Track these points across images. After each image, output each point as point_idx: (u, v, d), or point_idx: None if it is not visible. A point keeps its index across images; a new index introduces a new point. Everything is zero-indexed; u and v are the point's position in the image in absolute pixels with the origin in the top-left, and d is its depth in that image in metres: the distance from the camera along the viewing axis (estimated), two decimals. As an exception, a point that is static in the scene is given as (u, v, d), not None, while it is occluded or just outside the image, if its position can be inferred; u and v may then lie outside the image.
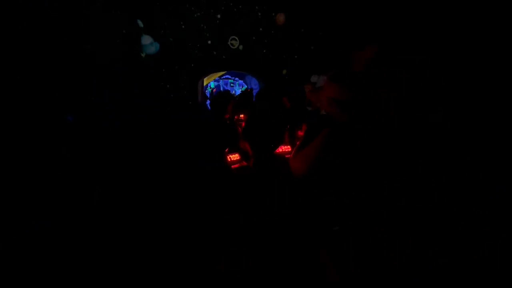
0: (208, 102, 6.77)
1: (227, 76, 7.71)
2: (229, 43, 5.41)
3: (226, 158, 1.83)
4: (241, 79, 7.84)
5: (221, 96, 4.47)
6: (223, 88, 7.86)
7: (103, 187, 2.54)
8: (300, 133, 1.76)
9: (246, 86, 7.81)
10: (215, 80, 7.64)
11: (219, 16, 5.16)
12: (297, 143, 1.69)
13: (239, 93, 7.19)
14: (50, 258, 1.82)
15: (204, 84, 7.08)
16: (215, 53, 5.33)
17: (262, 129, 1.34)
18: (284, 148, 1.88)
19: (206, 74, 5.68)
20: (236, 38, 5.40)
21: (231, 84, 7.85)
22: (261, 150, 1.35)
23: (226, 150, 1.86)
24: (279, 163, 1.37)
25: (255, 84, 7.18)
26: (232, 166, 1.76)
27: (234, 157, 1.86)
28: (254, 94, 4.66)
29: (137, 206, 2.24)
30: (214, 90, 7.66)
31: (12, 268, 1.73)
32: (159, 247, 1.81)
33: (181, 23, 4.84)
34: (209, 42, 5.27)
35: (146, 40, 4.15)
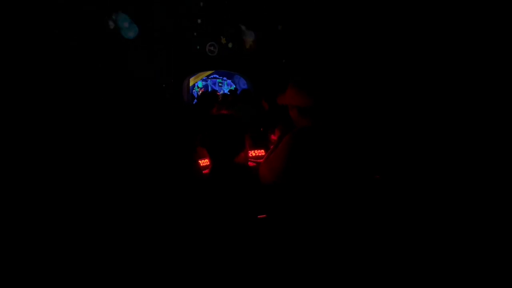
0: (195, 102, 6.65)
1: (215, 75, 7.59)
2: (207, 49, 5.08)
3: (197, 163, 1.74)
4: (229, 79, 7.73)
5: (207, 96, 4.35)
6: (211, 87, 7.74)
7: (97, 187, 2.53)
8: (273, 137, 1.67)
9: (234, 86, 7.70)
10: (202, 80, 7.52)
11: (206, 12, 4.92)
12: (271, 147, 1.62)
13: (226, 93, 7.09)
14: (50, 258, 1.82)
15: (191, 84, 6.95)
16: (198, 47, 5.04)
17: (219, 135, 1.25)
18: (258, 153, 1.79)
19: (192, 73, 5.51)
20: (215, 44, 5.06)
21: (219, 84, 7.74)
22: (218, 157, 1.26)
23: (195, 154, 1.76)
24: (242, 171, 1.28)
25: (243, 84, 7.08)
26: (204, 171, 1.66)
27: (204, 162, 1.76)
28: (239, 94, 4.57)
29: (130, 207, 2.25)
30: (202, 90, 7.54)
31: (12, 268, 1.73)
32: (149, 248, 1.76)
33: (167, 19, 4.66)
34: (197, 45, 5.04)
35: (123, 21, 3.80)
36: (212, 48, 4.96)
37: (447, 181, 2.19)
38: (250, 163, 1.67)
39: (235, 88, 7.17)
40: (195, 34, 4.93)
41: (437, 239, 1.88)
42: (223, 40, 5.13)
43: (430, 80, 2.73)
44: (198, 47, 4.98)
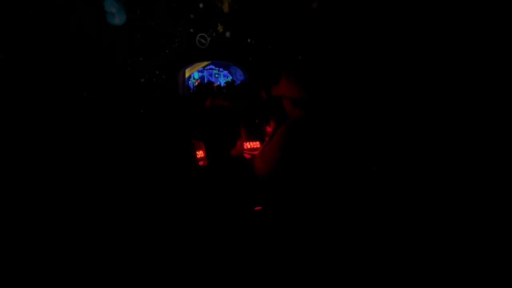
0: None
1: (211, 66, 7.51)
2: (197, 40, 4.77)
3: (194, 154, 1.73)
4: (225, 70, 7.66)
5: (203, 88, 4.28)
6: (208, 79, 7.66)
7: (93, 179, 2.52)
8: (269, 129, 1.66)
9: (231, 77, 7.63)
10: (199, 71, 7.44)
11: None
12: (266, 139, 1.61)
13: (222, 84, 7.03)
14: (50, 258, 1.82)
15: (187, 75, 6.87)
16: (192, 30, 4.76)
17: (214, 127, 1.23)
18: (253, 144, 1.78)
19: (186, 64, 5.40)
20: (205, 35, 4.79)
21: (216, 75, 7.66)
22: (214, 149, 1.25)
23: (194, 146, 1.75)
24: (237, 163, 1.27)
25: (240, 75, 7.01)
26: (200, 163, 1.65)
27: (200, 154, 1.75)
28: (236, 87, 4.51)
29: (127, 198, 2.25)
30: (198, 81, 7.46)
31: (12, 268, 1.72)
32: (147, 248, 1.78)
33: (159, 6, 4.51)
34: (191, 30, 4.86)
35: (109, 5, 3.60)
36: (202, 40, 4.73)
37: (443, 173, 2.19)
38: (246, 155, 1.66)
39: (232, 80, 7.11)
40: (192, 16, 4.74)
41: (433, 232, 1.88)
42: (220, 28, 4.98)
43: (423, 72, 2.72)
44: (191, 30, 4.76)
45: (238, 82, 6.36)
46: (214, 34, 4.97)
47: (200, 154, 1.74)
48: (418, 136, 2.43)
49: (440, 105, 2.50)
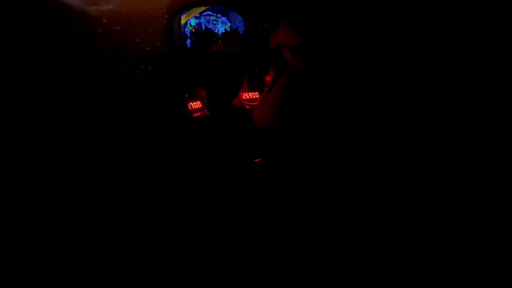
0: (188, 41, 6.26)
1: (208, 12, 7.01)
2: None
3: (186, 106, 1.67)
4: (224, 16, 7.17)
5: (203, 35, 4.02)
6: (205, 26, 7.22)
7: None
8: (268, 79, 1.59)
9: (229, 24, 7.19)
10: (195, 17, 6.97)
11: None
12: (265, 89, 1.55)
13: (222, 31, 6.64)
14: (50, 258, 1.83)
15: (183, 22, 6.44)
16: None
17: (219, 74, 1.16)
18: (252, 95, 1.72)
19: (181, 10, 4.97)
20: None
21: (213, 22, 7.20)
22: (216, 98, 1.19)
23: (185, 96, 1.68)
24: (240, 113, 1.23)
25: (239, 22, 6.59)
26: (194, 115, 1.60)
27: (196, 104, 1.69)
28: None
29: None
30: (195, 28, 7.04)
31: (12, 268, 1.74)
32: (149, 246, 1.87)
33: None
34: None
35: None
36: None
37: (442, 171, 2.15)
38: (245, 106, 1.61)
39: (232, 28, 6.71)
40: None
41: (432, 230, 1.88)
42: None
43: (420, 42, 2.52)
44: None
45: (240, 30, 6.00)
46: None
47: (197, 104, 1.69)
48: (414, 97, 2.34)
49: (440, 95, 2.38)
